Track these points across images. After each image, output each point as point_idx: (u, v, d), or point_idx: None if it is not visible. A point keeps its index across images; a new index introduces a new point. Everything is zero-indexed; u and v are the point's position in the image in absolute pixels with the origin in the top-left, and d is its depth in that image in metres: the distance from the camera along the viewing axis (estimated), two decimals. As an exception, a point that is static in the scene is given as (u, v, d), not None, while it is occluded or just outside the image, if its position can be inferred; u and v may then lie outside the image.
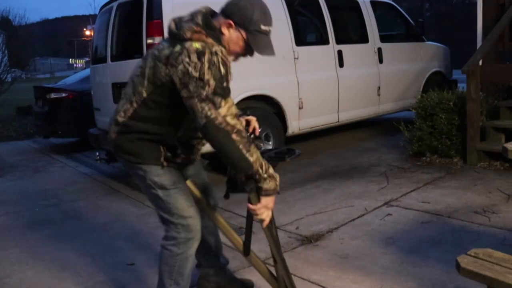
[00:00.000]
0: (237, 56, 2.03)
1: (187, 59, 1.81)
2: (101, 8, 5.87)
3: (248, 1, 1.92)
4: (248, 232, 2.14)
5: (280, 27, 5.27)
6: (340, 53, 5.86)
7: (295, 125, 5.49)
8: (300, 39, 5.60)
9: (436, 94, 5.09)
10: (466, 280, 1.90)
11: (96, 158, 5.58)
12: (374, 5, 6.51)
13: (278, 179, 1.92)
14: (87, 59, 38.94)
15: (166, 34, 2.02)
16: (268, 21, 1.95)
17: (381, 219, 3.52)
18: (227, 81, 1.86)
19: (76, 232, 3.80)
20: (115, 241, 3.55)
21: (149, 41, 4.45)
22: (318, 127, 5.86)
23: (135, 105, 1.98)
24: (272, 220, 2.06)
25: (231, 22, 1.92)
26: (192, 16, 1.93)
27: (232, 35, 1.93)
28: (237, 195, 2.03)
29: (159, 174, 2.04)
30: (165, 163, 2.04)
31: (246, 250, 2.19)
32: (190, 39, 1.86)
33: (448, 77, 7.61)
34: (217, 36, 1.92)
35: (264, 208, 1.94)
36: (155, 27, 4.45)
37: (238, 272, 2.84)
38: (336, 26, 5.89)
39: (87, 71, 8.06)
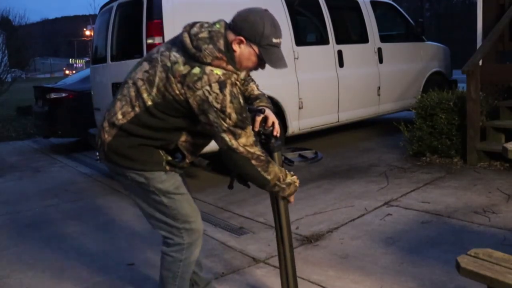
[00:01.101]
0: (248, 71, 2.02)
1: (207, 87, 1.79)
2: (101, 8, 5.87)
3: (257, 15, 1.87)
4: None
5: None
6: (340, 53, 5.87)
7: (295, 125, 5.49)
8: (300, 39, 5.60)
9: (436, 94, 5.09)
10: (466, 280, 1.91)
11: (96, 158, 5.58)
12: (374, 5, 6.51)
13: (297, 181, 2.10)
14: (87, 59, 38.94)
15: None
16: (278, 33, 1.91)
17: (381, 219, 3.52)
18: (245, 110, 1.88)
19: (76, 232, 3.80)
20: (115, 241, 3.55)
21: (149, 41, 4.44)
22: (318, 127, 5.86)
23: (137, 110, 1.90)
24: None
25: (242, 39, 1.86)
26: (212, 37, 1.86)
27: (244, 51, 1.88)
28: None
29: (163, 180, 1.99)
30: (167, 168, 1.99)
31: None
32: (210, 64, 1.82)
33: (448, 77, 7.61)
34: (233, 58, 1.88)
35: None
36: (155, 27, 4.45)
37: (239, 272, 2.85)
38: (336, 26, 5.89)
39: (86, 71, 8.07)
